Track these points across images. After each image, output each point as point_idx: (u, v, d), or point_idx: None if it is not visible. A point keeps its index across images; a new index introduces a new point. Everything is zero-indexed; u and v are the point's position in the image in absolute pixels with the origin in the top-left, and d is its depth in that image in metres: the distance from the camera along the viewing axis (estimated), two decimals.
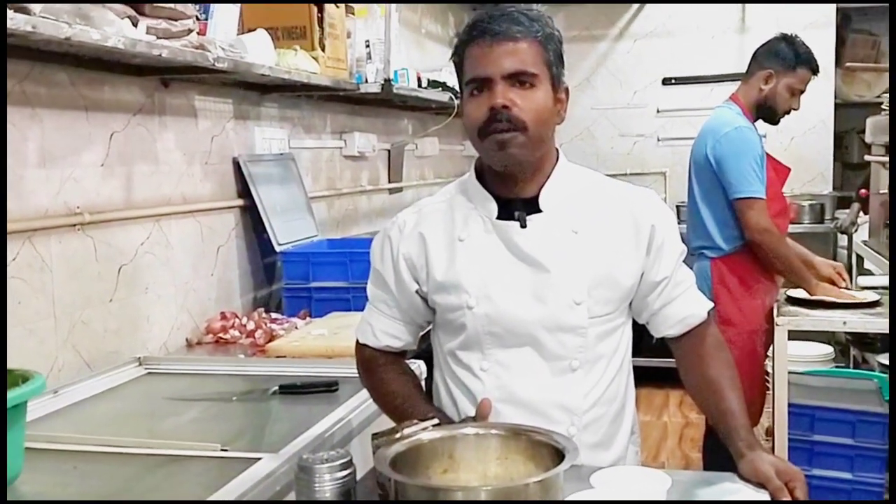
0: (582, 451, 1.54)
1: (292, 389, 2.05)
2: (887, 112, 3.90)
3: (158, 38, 2.06)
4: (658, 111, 5.90)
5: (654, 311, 1.60)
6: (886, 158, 3.94)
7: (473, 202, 1.58)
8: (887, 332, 3.48)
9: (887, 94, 4.06)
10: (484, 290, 1.52)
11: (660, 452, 4.31)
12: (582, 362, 1.53)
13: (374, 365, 1.69)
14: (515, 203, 1.54)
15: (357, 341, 1.70)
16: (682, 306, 1.60)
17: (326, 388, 2.05)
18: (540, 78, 1.47)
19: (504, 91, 1.45)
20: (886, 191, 3.93)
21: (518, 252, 1.52)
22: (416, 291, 1.60)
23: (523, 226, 1.52)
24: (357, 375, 2.10)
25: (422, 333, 1.71)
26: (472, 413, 1.53)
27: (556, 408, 1.54)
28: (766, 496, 1.39)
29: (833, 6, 5.51)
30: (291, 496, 1.40)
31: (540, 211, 1.54)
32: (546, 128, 1.51)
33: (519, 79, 1.46)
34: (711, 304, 1.65)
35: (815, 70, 3.17)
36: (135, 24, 1.99)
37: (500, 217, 1.54)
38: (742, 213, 3.00)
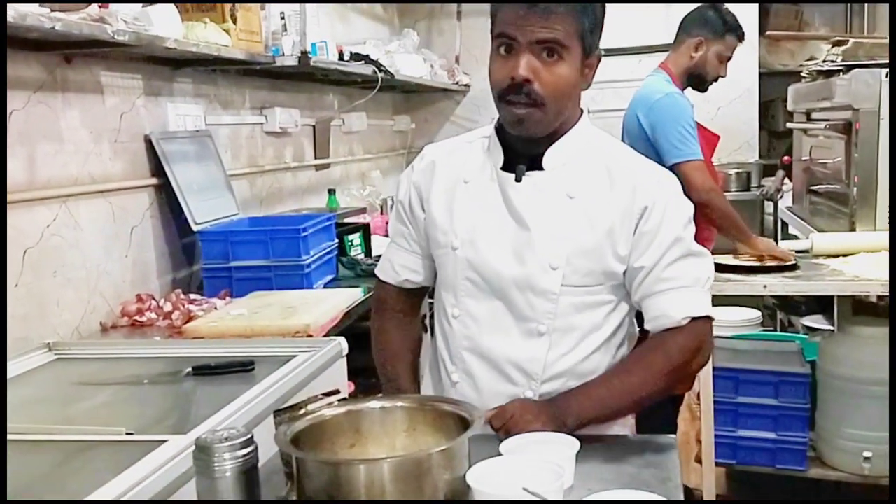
0: None
1: (206, 370, 1.99)
2: (808, 79, 3.96)
3: (53, 10, 1.97)
4: None
5: (636, 301, 1.54)
6: (808, 125, 4.01)
7: (490, 149, 1.58)
8: (807, 294, 3.56)
9: (809, 62, 4.12)
10: (471, 234, 1.54)
11: None
12: (550, 329, 1.51)
13: (386, 308, 1.74)
14: (522, 158, 1.53)
15: (377, 279, 1.75)
16: (659, 304, 1.49)
17: (242, 368, 2.00)
18: (570, 50, 1.43)
19: (529, 62, 1.42)
20: (808, 157, 4.00)
21: (509, 205, 1.52)
22: (425, 219, 1.62)
23: (518, 180, 1.52)
24: (274, 354, 2.07)
25: None
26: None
27: (515, 368, 1.53)
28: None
29: None
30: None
31: (542, 169, 1.53)
32: (567, 100, 1.49)
33: (547, 48, 1.42)
34: (698, 313, 1.49)
35: (741, 37, 3.20)
36: None
37: (504, 168, 1.54)
38: (686, 175, 2.90)
